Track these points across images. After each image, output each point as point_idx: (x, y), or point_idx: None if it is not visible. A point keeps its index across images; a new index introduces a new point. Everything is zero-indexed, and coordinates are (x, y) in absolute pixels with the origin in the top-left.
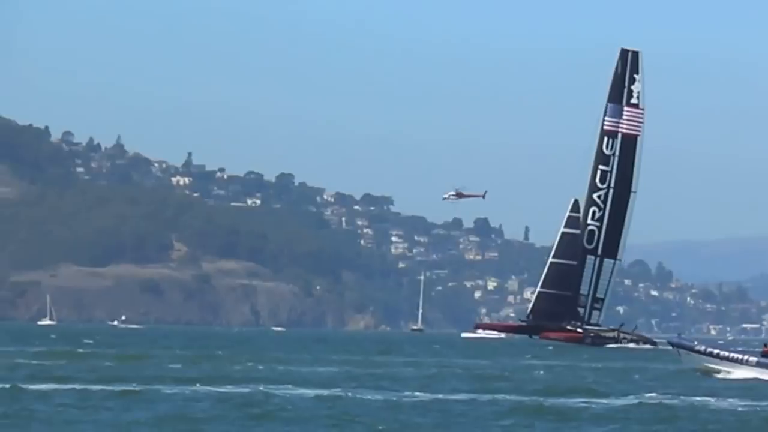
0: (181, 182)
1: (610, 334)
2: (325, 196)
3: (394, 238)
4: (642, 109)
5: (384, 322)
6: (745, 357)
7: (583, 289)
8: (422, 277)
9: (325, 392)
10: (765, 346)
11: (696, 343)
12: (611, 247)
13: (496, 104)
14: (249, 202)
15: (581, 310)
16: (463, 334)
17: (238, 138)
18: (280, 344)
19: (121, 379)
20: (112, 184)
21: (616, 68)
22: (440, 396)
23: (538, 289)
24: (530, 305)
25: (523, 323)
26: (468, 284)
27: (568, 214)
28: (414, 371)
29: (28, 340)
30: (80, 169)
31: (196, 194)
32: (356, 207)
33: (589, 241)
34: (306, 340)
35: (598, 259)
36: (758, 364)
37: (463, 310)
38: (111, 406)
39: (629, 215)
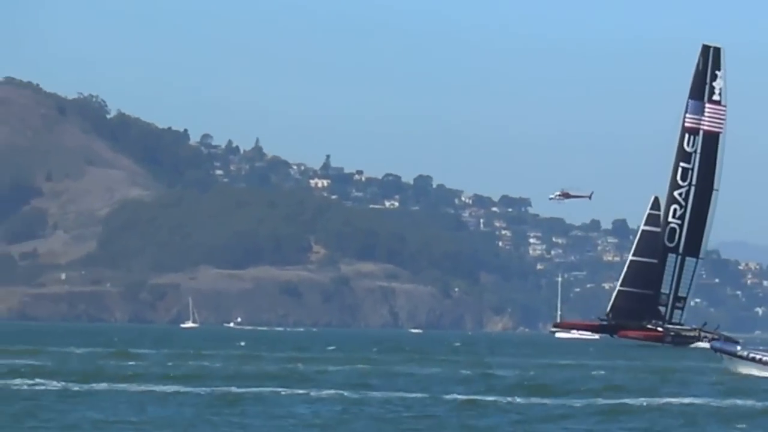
0: (320, 184)
1: (692, 333)
2: (463, 198)
3: (532, 240)
4: (724, 106)
5: (522, 323)
6: None
7: (665, 288)
8: (560, 279)
9: None
10: None
11: (739, 348)
12: (693, 246)
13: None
14: (387, 204)
15: (662, 309)
16: (558, 335)
17: (376, 140)
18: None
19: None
20: (251, 186)
21: (698, 64)
22: None
23: (618, 287)
24: (610, 304)
25: (603, 322)
26: (606, 286)
27: (648, 211)
28: None
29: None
30: (219, 172)
31: (334, 196)
32: (494, 209)
33: (671, 239)
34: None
35: (679, 257)
36: None
37: (602, 311)
38: None
39: (711, 213)
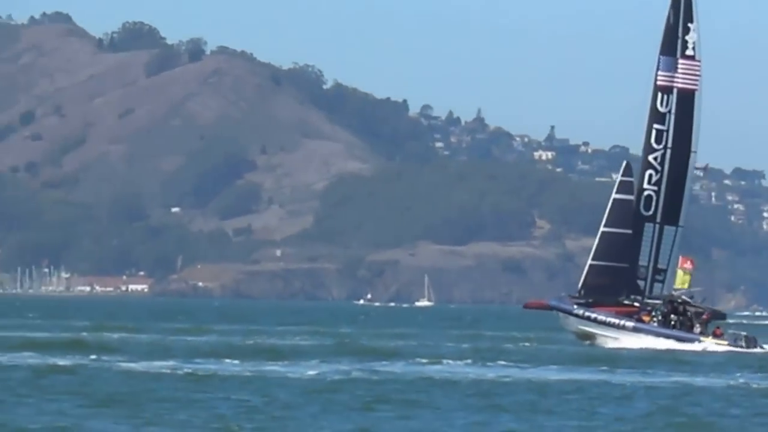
0: (544, 157)
1: None
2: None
3: (766, 214)
4: (698, 61)
5: (756, 301)
6: (621, 322)
7: (643, 260)
8: None
9: None
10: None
11: (575, 306)
12: (672, 213)
13: None
14: (614, 177)
15: (641, 283)
16: None
17: (603, 109)
18: None
19: None
20: (472, 159)
21: (668, 17)
22: None
23: (589, 261)
24: (581, 280)
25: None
26: None
27: (620, 178)
28: None
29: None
30: (439, 144)
31: (559, 169)
32: (726, 181)
33: (647, 208)
34: None
35: (657, 226)
36: (635, 329)
37: None
38: None
39: (690, 177)
